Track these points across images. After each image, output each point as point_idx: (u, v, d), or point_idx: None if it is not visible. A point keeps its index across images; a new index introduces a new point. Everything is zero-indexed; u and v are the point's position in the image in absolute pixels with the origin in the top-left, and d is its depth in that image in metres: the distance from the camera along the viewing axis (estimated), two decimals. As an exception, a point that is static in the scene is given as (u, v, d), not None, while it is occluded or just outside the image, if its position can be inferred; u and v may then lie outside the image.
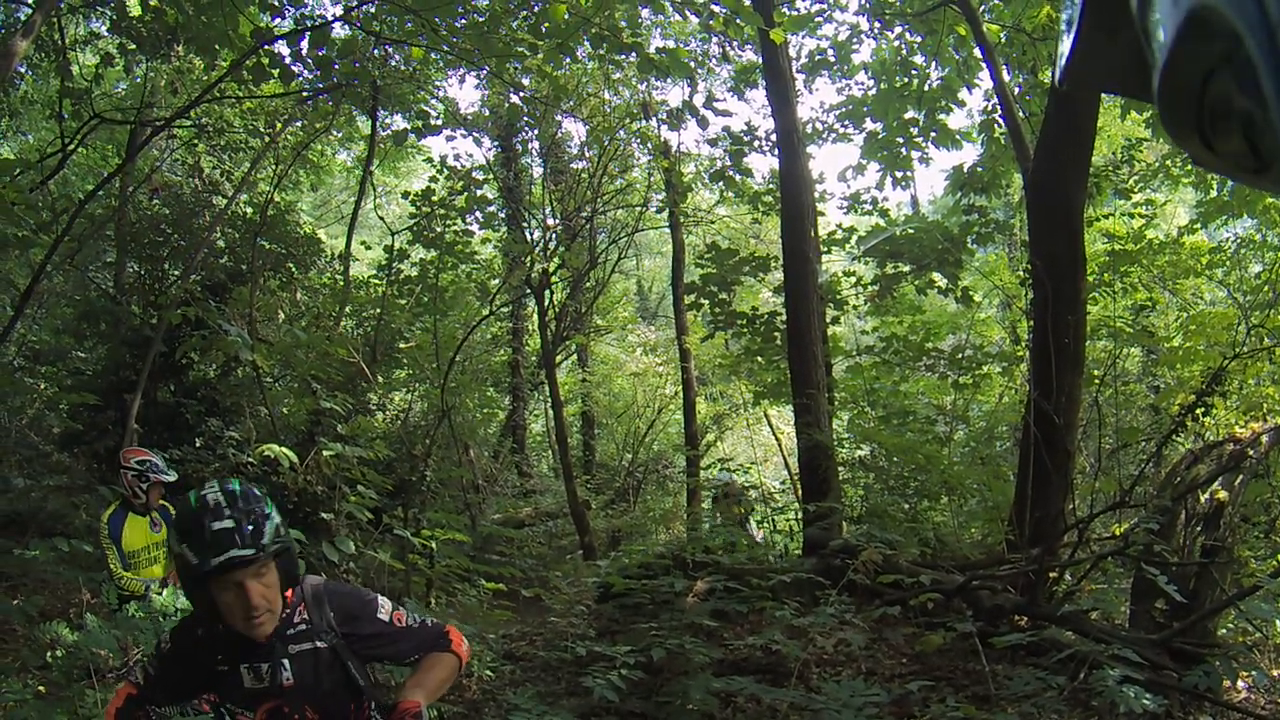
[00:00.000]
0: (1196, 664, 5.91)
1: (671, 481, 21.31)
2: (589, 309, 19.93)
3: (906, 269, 12.71)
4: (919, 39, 12.99)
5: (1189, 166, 13.15)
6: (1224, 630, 7.47)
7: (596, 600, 9.53)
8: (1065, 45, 0.76)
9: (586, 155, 17.07)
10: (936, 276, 12.82)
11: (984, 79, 12.75)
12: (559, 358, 19.30)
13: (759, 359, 13.80)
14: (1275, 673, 6.69)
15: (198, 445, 12.62)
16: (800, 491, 11.38)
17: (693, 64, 15.84)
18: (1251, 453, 7.89)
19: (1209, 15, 0.57)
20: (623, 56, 9.07)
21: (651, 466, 21.30)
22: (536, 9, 8.46)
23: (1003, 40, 12.15)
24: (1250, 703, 6.37)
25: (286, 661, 2.87)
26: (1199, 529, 7.65)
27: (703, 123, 10.54)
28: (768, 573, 8.24)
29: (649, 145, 16.64)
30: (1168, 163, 14.52)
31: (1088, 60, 0.75)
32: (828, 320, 12.84)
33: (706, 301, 13.55)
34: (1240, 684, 6.46)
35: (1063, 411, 8.03)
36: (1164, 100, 0.65)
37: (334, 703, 2.95)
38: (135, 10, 10.13)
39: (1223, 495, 7.64)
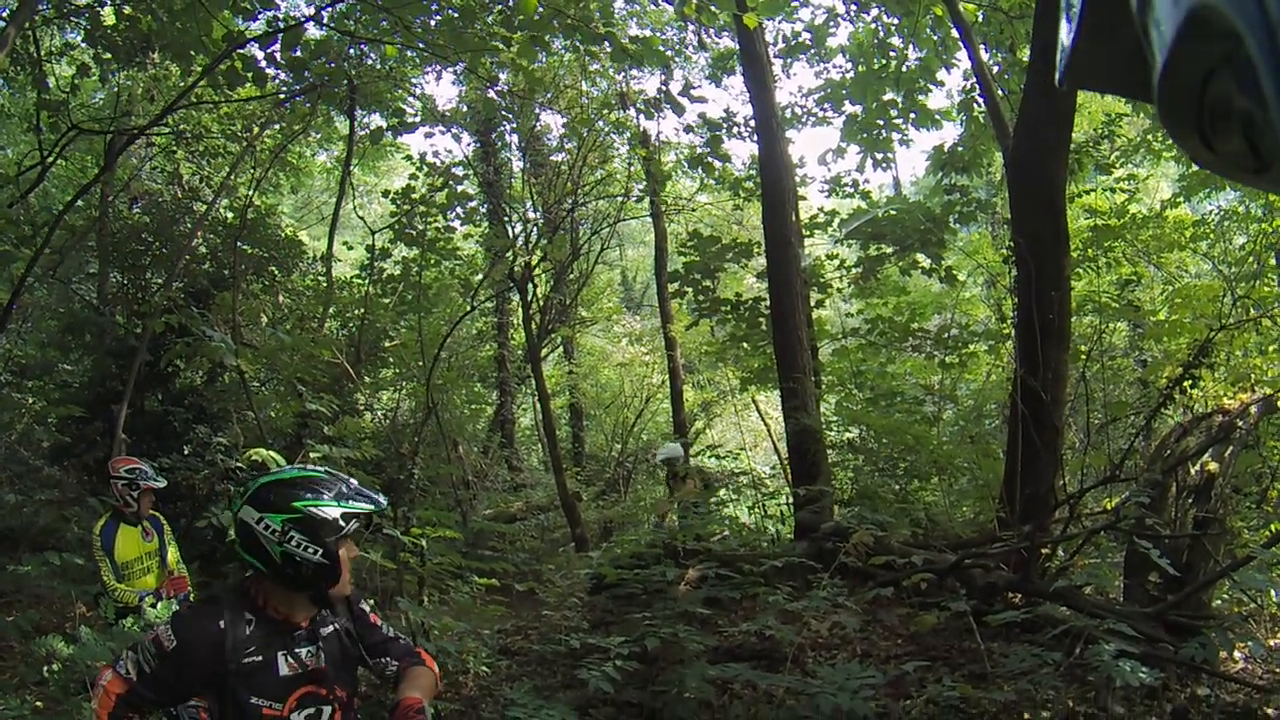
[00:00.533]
0: (1192, 636, 5.94)
1: (662, 470, 21.27)
2: (573, 301, 19.93)
3: (890, 250, 12.75)
4: (895, 20, 13.00)
5: (1170, 141, 13.14)
6: (1218, 601, 7.51)
7: (590, 592, 9.53)
8: (1065, 44, 0.76)
9: (566, 147, 17.06)
10: (920, 257, 12.86)
11: (962, 59, 12.81)
12: (545, 351, 19.30)
13: (744, 345, 13.83)
14: (1271, 642, 6.72)
15: (186, 452, 12.56)
16: (790, 476, 11.40)
17: (669, 52, 15.83)
18: (1241, 424, 7.93)
19: (1209, 15, 0.57)
20: (597, 47, 9.04)
21: (641, 456, 21.32)
22: (510, 2, 8.43)
23: (980, 19, 12.15)
24: (1247, 673, 6.40)
25: (323, 644, 2.95)
26: (1190, 501, 7.68)
27: (678, 110, 10.50)
28: (759, 558, 8.25)
29: (627, 135, 16.63)
30: (1149, 137, 14.56)
31: (1087, 59, 0.75)
32: (812, 304, 12.87)
33: (690, 289, 13.56)
34: (1236, 654, 6.48)
35: (1050, 388, 8.04)
36: (1164, 100, 0.65)
37: (350, 677, 3.08)
38: (110, 19, 10.07)
39: (1213, 467, 7.67)
